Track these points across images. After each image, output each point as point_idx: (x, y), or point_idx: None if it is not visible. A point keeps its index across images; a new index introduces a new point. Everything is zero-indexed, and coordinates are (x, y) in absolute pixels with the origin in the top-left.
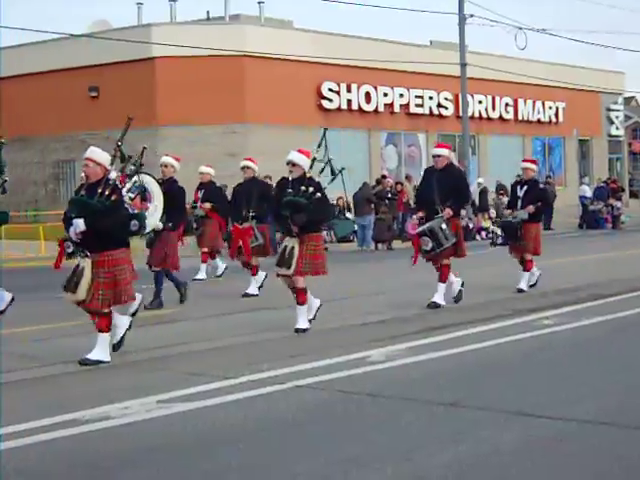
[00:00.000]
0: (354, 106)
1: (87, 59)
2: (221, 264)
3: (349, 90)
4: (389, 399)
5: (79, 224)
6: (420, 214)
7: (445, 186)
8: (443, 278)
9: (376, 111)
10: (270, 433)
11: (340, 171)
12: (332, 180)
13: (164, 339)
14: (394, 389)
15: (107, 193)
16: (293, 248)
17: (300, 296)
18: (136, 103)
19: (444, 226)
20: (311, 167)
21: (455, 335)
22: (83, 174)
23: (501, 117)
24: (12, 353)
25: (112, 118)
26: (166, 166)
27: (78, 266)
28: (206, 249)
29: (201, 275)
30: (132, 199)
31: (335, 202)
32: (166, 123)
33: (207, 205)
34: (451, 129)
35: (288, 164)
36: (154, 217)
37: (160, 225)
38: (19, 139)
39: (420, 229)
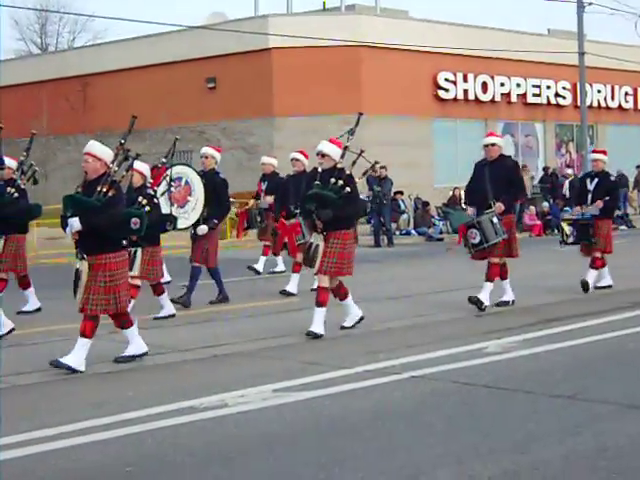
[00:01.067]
0: (470, 96)
1: (204, 51)
2: (281, 262)
3: (465, 80)
4: (505, 391)
5: (74, 223)
6: (471, 212)
7: (498, 179)
8: (490, 276)
9: (493, 101)
10: (385, 423)
11: (358, 155)
12: (364, 174)
13: (281, 329)
14: (510, 381)
15: (104, 190)
16: (318, 246)
17: (320, 295)
18: (253, 94)
19: (495, 220)
20: (342, 157)
21: (571, 327)
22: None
23: (620, 106)
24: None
25: (229, 109)
26: (206, 157)
27: (77, 270)
28: (268, 242)
29: (258, 267)
30: (171, 192)
31: (452, 192)
32: (282, 114)
33: (269, 198)
34: (569, 119)
35: (317, 155)
36: (195, 211)
37: (202, 229)
38: (136, 131)
39: (469, 220)
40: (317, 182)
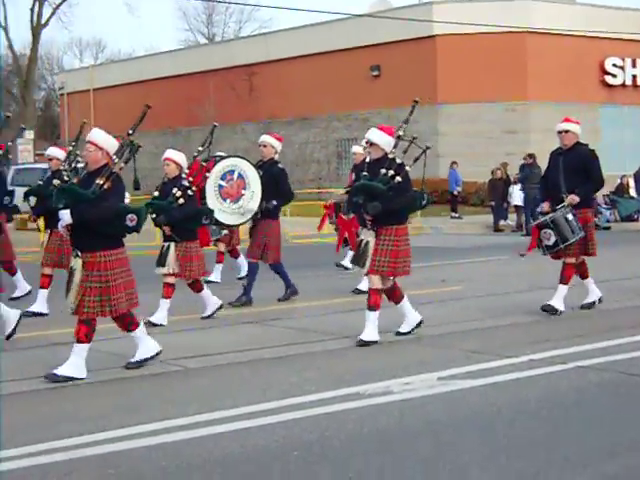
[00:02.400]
0: None
1: (369, 38)
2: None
3: (634, 65)
4: None
5: (64, 216)
6: (546, 206)
7: (573, 169)
8: (565, 279)
9: None
10: (550, 413)
11: (424, 151)
12: (415, 161)
13: (441, 317)
14: None
15: (101, 182)
16: (368, 243)
17: (371, 297)
18: (417, 81)
19: (570, 216)
20: (395, 146)
21: None
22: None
23: None
24: (292, 327)
25: (393, 97)
26: (264, 146)
27: (71, 269)
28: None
29: (345, 262)
30: (223, 187)
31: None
32: (446, 101)
33: None
34: None
35: (366, 143)
36: (252, 204)
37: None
38: (300, 119)
39: (541, 220)
40: (364, 173)
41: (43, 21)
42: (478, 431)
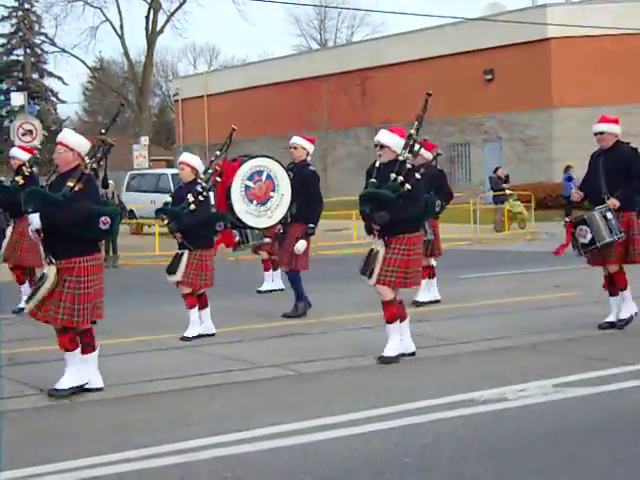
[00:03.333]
0: None
1: (482, 42)
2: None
3: None
4: None
5: (33, 220)
6: (576, 195)
7: (613, 170)
8: (621, 284)
9: None
10: None
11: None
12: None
13: (556, 324)
14: None
15: (72, 184)
16: (377, 253)
17: (386, 311)
18: (531, 85)
19: (609, 215)
20: (405, 149)
21: None
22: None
23: None
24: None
25: (507, 100)
26: (295, 148)
27: (43, 275)
28: None
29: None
30: (250, 189)
31: None
32: (562, 104)
33: None
34: None
35: (375, 146)
36: (280, 207)
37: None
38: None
39: (578, 215)
40: (373, 179)
41: (158, 28)
42: (595, 439)
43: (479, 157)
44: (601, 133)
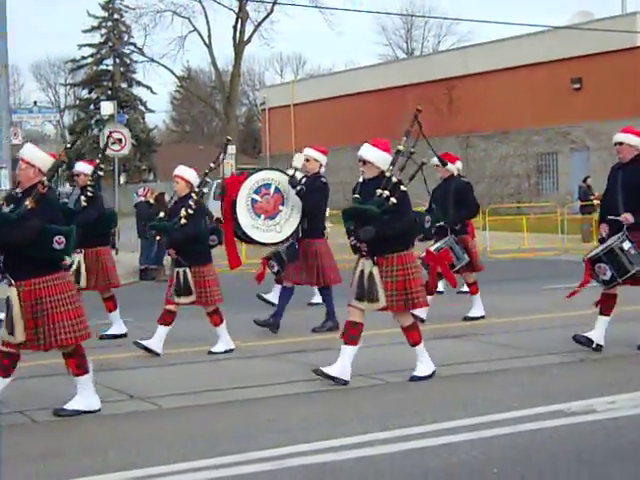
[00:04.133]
0: None
1: (570, 51)
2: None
3: None
4: None
5: None
6: (603, 230)
7: (632, 186)
8: None
9: None
10: None
11: (420, 167)
12: (411, 179)
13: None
14: None
15: (27, 203)
16: (372, 275)
17: (408, 335)
18: (619, 94)
19: (627, 245)
20: (393, 164)
21: None
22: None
23: None
24: (492, 343)
25: (595, 110)
26: (307, 160)
27: (8, 299)
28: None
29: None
30: (257, 202)
31: None
32: None
33: None
34: None
35: (359, 162)
36: (290, 222)
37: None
38: (500, 133)
39: (593, 253)
40: (356, 195)
41: (245, 38)
42: None
43: (566, 167)
44: (620, 144)
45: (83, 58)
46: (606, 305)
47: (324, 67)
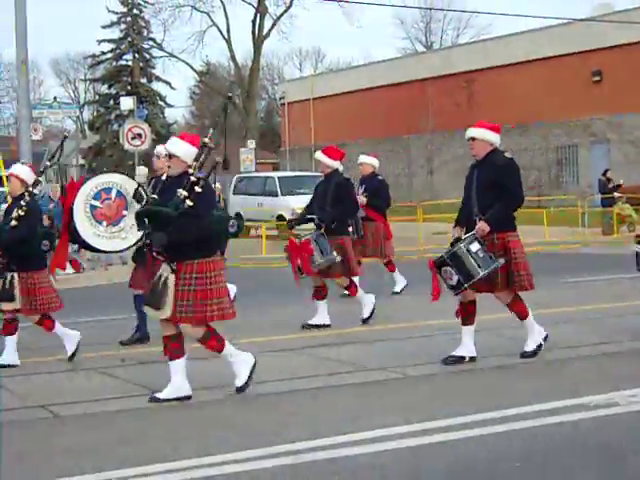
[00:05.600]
0: None
1: (590, 43)
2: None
3: None
4: None
5: None
6: (456, 232)
7: (485, 185)
8: (521, 315)
9: None
10: None
11: (214, 166)
12: (207, 176)
13: None
14: None
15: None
16: (167, 280)
17: (210, 346)
18: None
19: (474, 247)
20: (197, 159)
21: None
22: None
23: None
24: (514, 338)
25: (615, 102)
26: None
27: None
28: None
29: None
30: (96, 208)
31: None
32: None
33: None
34: None
35: (165, 157)
36: (135, 228)
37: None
38: (520, 126)
39: (439, 257)
40: (155, 195)
41: (264, 32)
42: None
43: (587, 159)
44: (472, 139)
45: (102, 54)
46: (467, 314)
47: (343, 61)
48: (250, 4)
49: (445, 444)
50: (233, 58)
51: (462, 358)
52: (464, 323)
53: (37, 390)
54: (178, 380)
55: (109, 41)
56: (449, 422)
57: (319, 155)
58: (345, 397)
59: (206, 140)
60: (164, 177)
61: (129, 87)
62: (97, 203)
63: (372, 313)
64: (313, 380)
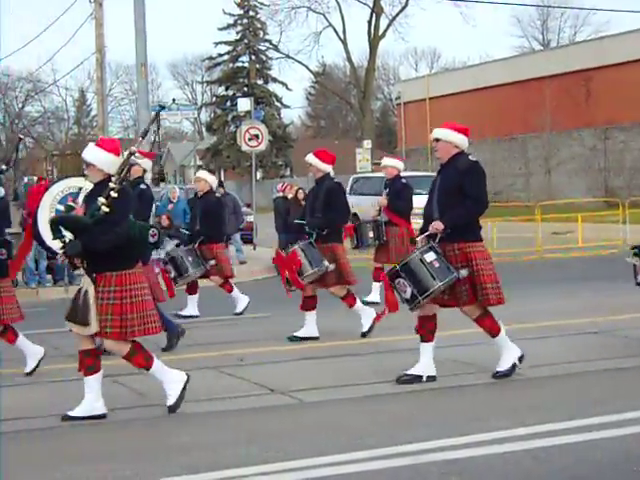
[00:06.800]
0: None
1: None
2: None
3: None
4: None
5: None
6: (420, 242)
7: (446, 188)
8: (492, 333)
9: None
10: None
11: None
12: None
13: None
14: None
15: None
16: (87, 293)
17: (134, 362)
18: None
19: (430, 257)
20: (124, 166)
21: None
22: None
23: None
24: (632, 338)
25: None
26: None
27: None
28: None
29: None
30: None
31: None
32: None
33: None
34: None
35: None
36: None
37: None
38: (638, 124)
39: (392, 267)
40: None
41: (380, 33)
42: None
43: None
44: (436, 140)
45: (219, 56)
46: (425, 330)
47: (459, 60)
48: (366, 4)
49: (562, 448)
50: (349, 59)
51: (419, 377)
52: (423, 340)
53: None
54: (92, 398)
55: (226, 43)
56: (569, 425)
57: (311, 158)
58: (461, 399)
59: (133, 149)
60: (91, 186)
61: (245, 88)
62: (62, 207)
63: (372, 327)
64: (440, 380)
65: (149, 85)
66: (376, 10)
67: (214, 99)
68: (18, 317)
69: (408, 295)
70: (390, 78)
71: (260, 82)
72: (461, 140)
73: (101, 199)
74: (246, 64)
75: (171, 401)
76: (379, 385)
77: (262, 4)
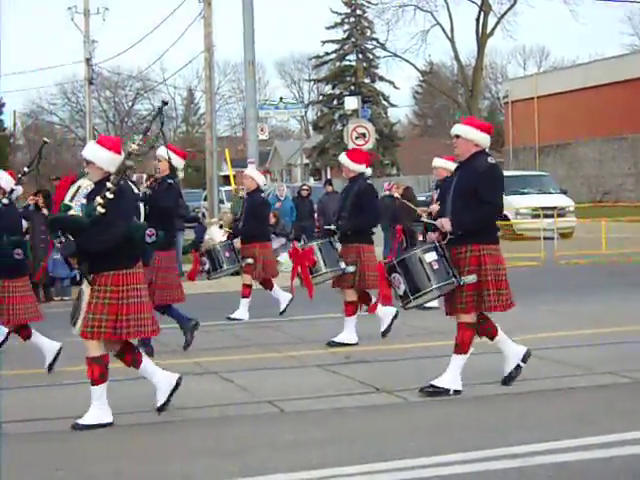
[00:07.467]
0: None
1: None
2: None
3: None
4: None
5: None
6: (433, 238)
7: (462, 190)
8: (460, 347)
9: None
10: None
11: (24, 173)
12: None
13: None
14: None
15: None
16: (82, 294)
17: (91, 369)
18: None
19: (430, 257)
20: (124, 171)
21: None
22: None
23: None
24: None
25: None
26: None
27: None
28: None
29: None
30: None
31: None
32: None
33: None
34: None
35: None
36: None
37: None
38: None
39: (390, 261)
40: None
41: (488, 31)
42: None
43: None
44: (456, 137)
45: (326, 54)
46: (487, 331)
47: (568, 59)
48: (474, 2)
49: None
50: (456, 57)
51: (447, 390)
52: (490, 338)
53: (267, 385)
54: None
55: (333, 42)
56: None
57: (342, 158)
58: (570, 402)
59: (134, 147)
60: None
61: (352, 87)
62: (75, 206)
63: (390, 327)
64: (542, 383)
65: (256, 83)
66: (484, 8)
67: (321, 97)
68: (35, 317)
69: (401, 292)
70: (498, 77)
71: (367, 80)
72: (483, 139)
73: (97, 199)
74: (353, 63)
75: (160, 402)
76: (487, 386)
77: (370, 2)
